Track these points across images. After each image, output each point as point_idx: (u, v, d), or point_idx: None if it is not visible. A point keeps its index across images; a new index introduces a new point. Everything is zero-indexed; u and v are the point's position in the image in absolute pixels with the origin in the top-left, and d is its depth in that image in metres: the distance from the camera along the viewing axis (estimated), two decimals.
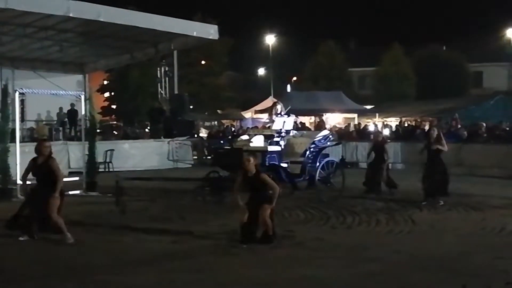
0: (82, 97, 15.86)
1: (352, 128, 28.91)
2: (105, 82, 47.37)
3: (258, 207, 9.06)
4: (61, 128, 25.33)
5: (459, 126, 21.14)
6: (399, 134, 25.58)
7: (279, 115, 14.54)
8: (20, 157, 14.27)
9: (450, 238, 9.74)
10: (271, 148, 13.50)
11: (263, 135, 14.07)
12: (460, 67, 51.67)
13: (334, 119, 36.61)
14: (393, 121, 33.49)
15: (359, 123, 31.76)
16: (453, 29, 70.49)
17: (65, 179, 16.79)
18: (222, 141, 17.49)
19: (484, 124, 22.50)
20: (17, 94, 14.46)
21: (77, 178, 16.27)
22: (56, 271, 7.75)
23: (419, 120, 31.16)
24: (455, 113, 24.75)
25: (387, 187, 14.99)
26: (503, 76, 54.70)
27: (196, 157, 24.94)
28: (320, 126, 28.56)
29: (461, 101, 36.65)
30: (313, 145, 14.27)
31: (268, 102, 36.21)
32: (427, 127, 25.36)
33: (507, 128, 22.35)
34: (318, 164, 14.01)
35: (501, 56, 54.26)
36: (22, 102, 19.12)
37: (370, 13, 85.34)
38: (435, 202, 13.05)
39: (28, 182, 14.26)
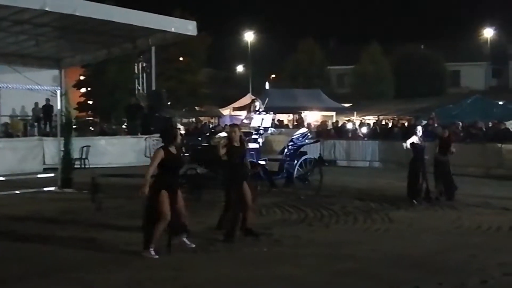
0: (58, 92, 15.65)
1: (330, 126, 29.00)
2: (82, 78, 46.84)
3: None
4: (36, 124, 25.03)
5: (436, 125, 21.26)
6: (377, 132, 25.71)
7: (258, 112, 14.50)
8: None
9: (426, 236, 9.79)
10: (249, 145, 13.44)
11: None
12: (437, 66, 52.06)
13: (312, 117, 36.68)
14: (371, 120, 33.65)
15: (336, 121, 31.87)
16: (431, 28, 71.00)
17: (39, 176, 16.90)
18: (199, 138, 17.38)
19: (460, 123, 22.70)
20: None
21: (52, 175, 16.14)
22: (32, 269, 7.67)
23: (396, 118, 31.34)
24: (432, 112, 24.92)
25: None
26: (480, 76, 55.29)
27: None
28: (299, 123, 28.59)
29: (439, 100, 36.92)
30: (291, 143, 14.26)
31: (246, 99, 36.12)
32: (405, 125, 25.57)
33: (484, 128, 22.57)
34: (296, 161, 14.01)
35: (479, 55, 54.86)
36: None
37: (349, 12, 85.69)
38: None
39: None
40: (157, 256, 8.10)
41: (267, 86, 56.60)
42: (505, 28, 53.39)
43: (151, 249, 8.16)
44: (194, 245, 8.60)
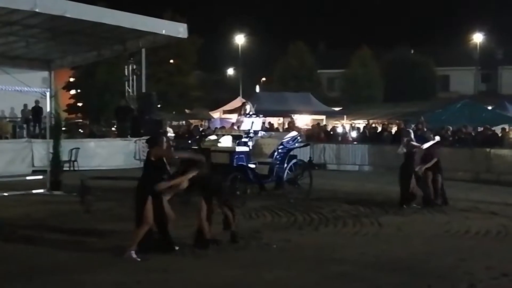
0: (48, 94, 15.57)
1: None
2: (71, 79, 46.67)
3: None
4: (25, 126, 24.84)
5: (425, 129, 21.33)
6: (367, 136, 25.77)
7: (248, 116, 14.50)
8: None
9: (415, 240, 9.82)
10: (239, 148, 13.44)
11: (231, 135, 14.01)
12: (427, 71, 52.31)
13: (302, 121, 36.71)
14: (361, 123, 33.76)
15: (325, 125, 31.96)
16: (421, 32, 71.37)
17: (28, 178, 16.82)
18: (189, 141, 17.36)
19: (451, 128, 22.81)
20: None
21: (41, 177, 16.02)
22: (19, 271, 7.63)
23: (386, 122, 31.46)
24: (421, 116, 25.01)
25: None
26: (470, 80, 55.56)
27: None
28: (290, 127, 28.59)
29: (428, 104, 37.09)
30: (281, 146, 14.27)
31: (236, 103, 36.15)
32: (394, 130, 25.67)
33: (473, 133, 22.67)
34: (286, 165, 14.02)
35: (468, 60, 55.15)
36: None
37: (339, 15, 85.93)
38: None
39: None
40: (139, 259, 8.10)
41: (257, 89, 56.63)
42: (494, 33, 53.85)
43: (132, 252, 8.17)
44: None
